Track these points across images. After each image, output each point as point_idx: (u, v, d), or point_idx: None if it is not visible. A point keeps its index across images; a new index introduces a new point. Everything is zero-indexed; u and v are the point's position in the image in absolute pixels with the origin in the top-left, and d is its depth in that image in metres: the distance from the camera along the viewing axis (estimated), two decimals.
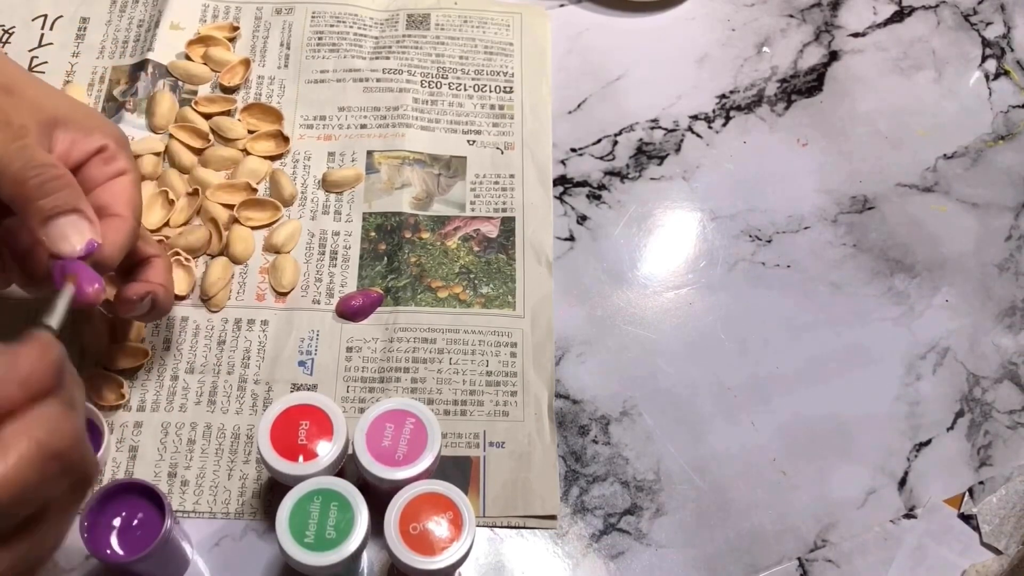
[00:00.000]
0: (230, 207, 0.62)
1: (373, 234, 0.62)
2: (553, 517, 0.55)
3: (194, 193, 0.62)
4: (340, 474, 0.49)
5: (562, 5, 0.74)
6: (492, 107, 0.68)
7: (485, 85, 0.69)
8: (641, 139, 0.69)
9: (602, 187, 0.67)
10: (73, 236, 0.44)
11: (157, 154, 0.63)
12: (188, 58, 0.67)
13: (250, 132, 0.65)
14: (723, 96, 0.71)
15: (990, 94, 0.73)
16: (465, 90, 0.69)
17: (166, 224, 0.61)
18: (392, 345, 0.58)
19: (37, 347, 0.36)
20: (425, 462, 0.48)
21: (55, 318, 0.41)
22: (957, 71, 0.74)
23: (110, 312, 0.54)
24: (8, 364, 0.34)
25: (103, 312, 0.57)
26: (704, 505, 0.56)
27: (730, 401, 0.59)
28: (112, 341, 0.57)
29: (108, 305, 0.54)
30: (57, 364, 0.36)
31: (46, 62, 0.67)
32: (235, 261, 0.60)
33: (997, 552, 0.56)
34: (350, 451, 0.49)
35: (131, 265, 0.52)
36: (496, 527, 0.54)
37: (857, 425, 0.59)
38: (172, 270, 0.54)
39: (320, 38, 0.70)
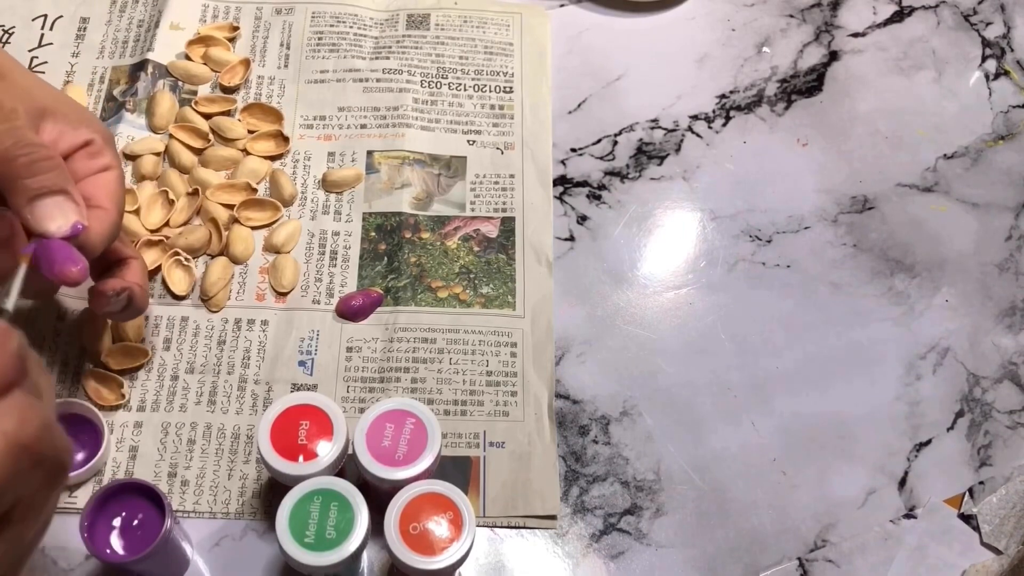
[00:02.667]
0: (230, 207, 0.62)
1: (373, 234, 0.62)
2: (553, 517, 0.55)
3: (194, 193, 0.62)
4: (340, 474, 0.49)
5: (562, 5, 0.74)
6: (492, 107, 0.68)
7: (485, 85, 0.69)
8: (641, 139, 0.69)
9: (602, 187, 0.67)
10: (59, 216, 0.44)
11: (157, 154, 0.63)
12: (188, 58, 0.67)
13: (250, 132, 0.65)
14: (723, 96, 0.71)
15: (990, 94, 0.73)
16: (465, 90, 0.69)
17: (166, 224, 0.61)
18: (392, 345, 0.58)
19: None
20: (425, 462, 0.48)
21: (9, 299, 0.40)
22: (957, 71, 0.74)
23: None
24: None
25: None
26: (704, 505, 0.56)
27: (730, 401, 0.59)
28: (112, 341, 0.57)
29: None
30: (18, 353, 0.34)
31: (46, 62, 0.67)
32: (235, 261, 0.60)
33: (997, 552, 0.56)
34: (350, 451, 0.49)
35: (108, 265, 0.52)
36: (496, 527, 0.54)
37: (857, 425, 0.59)
38: (147, 273, 0.54)
39: (320, 38, 0.70)
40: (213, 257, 0.61)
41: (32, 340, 0.56)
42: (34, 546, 0.36)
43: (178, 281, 0.59)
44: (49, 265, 0.43)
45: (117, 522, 0.48)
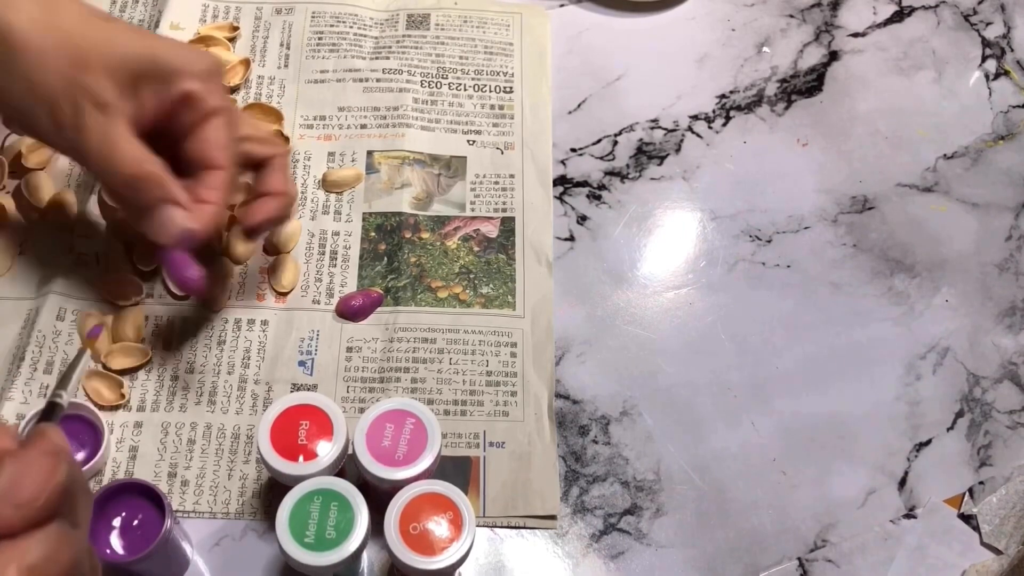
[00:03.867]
0: (230, 207, 0.62)
1: (373, 234, 0.62)
2: (553, 517, 0.55)
3: None
4: (340, 474, 0.49)
5: (562, 5, 0.74)
6: (492, 107, 0.68)
7: (485, 85, 0.69)
8: (641, 139, 0.69)
9: (602, 187, 0.67)
10: (168, 227, 0.49)
11: None
12: None
13: None
14: (723, 96, 0.71)
15: (990, 94, 0.73)
16: (465, 90, 0.69)
17: None
18: (392, 345, 0.58)
19: (44, 465, 0.34)
20: (425, 462, 0.48)
21: (69, 390, 0.44)
22: (957, 71, 0.74)
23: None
24: (11, 482, 0.33)
25: (102, 313, 0.57)
26: (704, 505, 0.56)
27: (730, 401, 0.59)
28: (112, 341, 0.57)
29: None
30: (64, 486, 0.34)
31: None
32: (235, 261, 0.60)
33: (997, 552, 0.56)
34: (350, 451, 0.49)
35: (253, 165, 0.55)
36: (496, 527, 0.54)
37: (857, 425, 0.59)
38: (287, 169, 0.56)
39: (320, 38, 0.70)
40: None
41: (32, 340, 0.56)
42: None
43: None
44: (169, 274, 0.50)
45: (117, 522, 0.48)
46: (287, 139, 0.65)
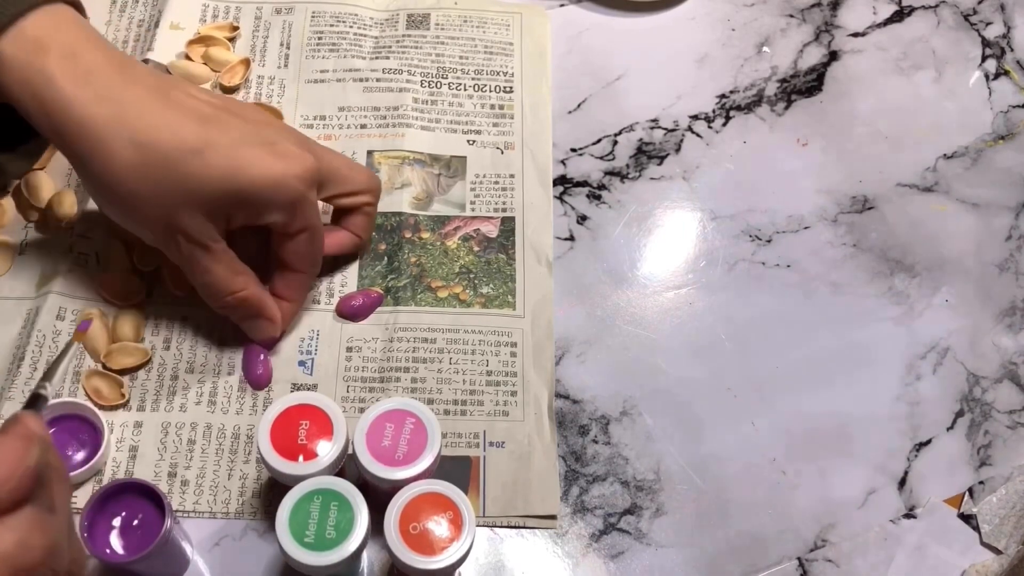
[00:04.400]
0: None
1: (373, 234, 0.62)
2: (553, 517, 0.55)
3: None
4: (340, 474, 0.49)
5: (562, 5, 0.74)
6: (492, 107, 0.68)
7: (485, 85, 0.69)
8: (641, 139, 0.69)
9: (602, 187, 0.67)
10: (258, 334, 0.57)
11: None
12: (188, 58, 0.67)
13: None
14: (723, 96, 0.71)
15: (990, 94, 0.73)
16: (465, 90, 0.69)
17: None
18: (392, 345, 0.58)
19: (15, 448, 0.34)
20: (425, 462, 0.48)
21: (53, 382, 0.46)
22: (957, 71, 0.74)
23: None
24: None
25: (101, 311, 0.57)
26: (704, 505, 0.56)
27: (730, 401, 0.59)
28: (112, 341, 0.57)
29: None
30: (35, 469, 0.34)
31: None
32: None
33: (997, 552, 0.56)
34: (350, 451, 0.49)
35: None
36: (496, 527, 0.54)
37: (857, 425, 0.59)
38: (372, 219, 0.61)
39: (320, 38, 0.70)
40: None
41: (32, 340, 0.56)
42: None
43: (178, 282, 0.59)
44: (244, 365, 0.57)
45: (117, 522, 0.48)
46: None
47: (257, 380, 0.57)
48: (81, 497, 0.53)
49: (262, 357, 0.57)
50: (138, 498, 0.48)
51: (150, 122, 0.48)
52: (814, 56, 0.73)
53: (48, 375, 0.46)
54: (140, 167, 0.48)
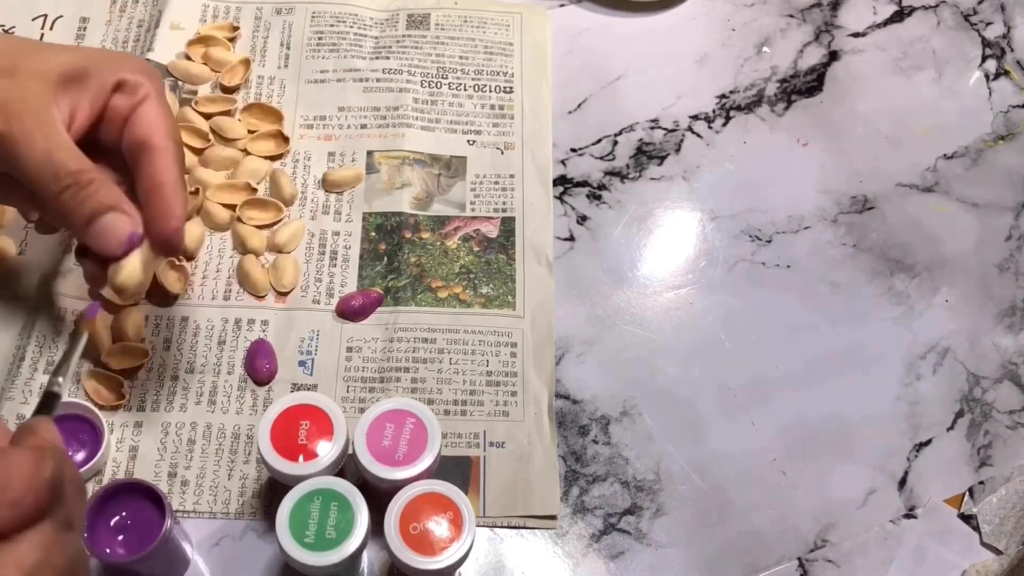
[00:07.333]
0: (231, 207, 0.62)
1: (373, 234, 0.62)
2: (553, 517, 0.55)
3: (195, 193, 0.61)
4: (340, 474, 0.49)
5: (562, 5, 0.74)
6: (492, 107, 0.68)
7: (485, 85, 0.69)
8: (641, 139, 0.69)
9: (602, 187, 0.67)
10: (115, 234, 0.45)
11: None
12: (188, 58, 0.67)
13: (250, 132, 0.65)
14: (723, 96, 0.71)
15: (990, 94, 0.73)
16: (465, 90, 0.69)
17: None
18: (392, 345, 0.58)
19: (31, 460, 0.32)
20: (425, 462, 0.48)
21: (67, 376, 0.44)
22: (957, 71, 0.74)
23: (111, 311, 0.55)
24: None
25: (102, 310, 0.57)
26: (704, 505, 0.56)
27: (730, 401, 0.59)
28: (112, 341, 0.57)
29: (109, 306, 0.54)
30: (53, 482, 0.32)
31: None
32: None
33: (997, 552, 0.56)
34: (350, 451, 0.49)
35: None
36: (496, 527, 0.54)
37: (857, 425, 0.59)
38: (180, 163, 0.49)
39: (320, 38, 0.70)
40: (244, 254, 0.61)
41: (32, 340, 0.56)
42: None
43: (173, 282, 0.59)
44: (249, 360, 0.56)
45: (117, 522, 0.48)
46: (287, 139, 0.65)
47: (260, 375, 0.57)
48: None
49: (268, 352, 0.57)
50: (138, 498, 0.48)
51: None
52: (814, 56, 0.73)
53: (60, 370, 0.44)
54: None
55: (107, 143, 0.49)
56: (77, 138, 0.47)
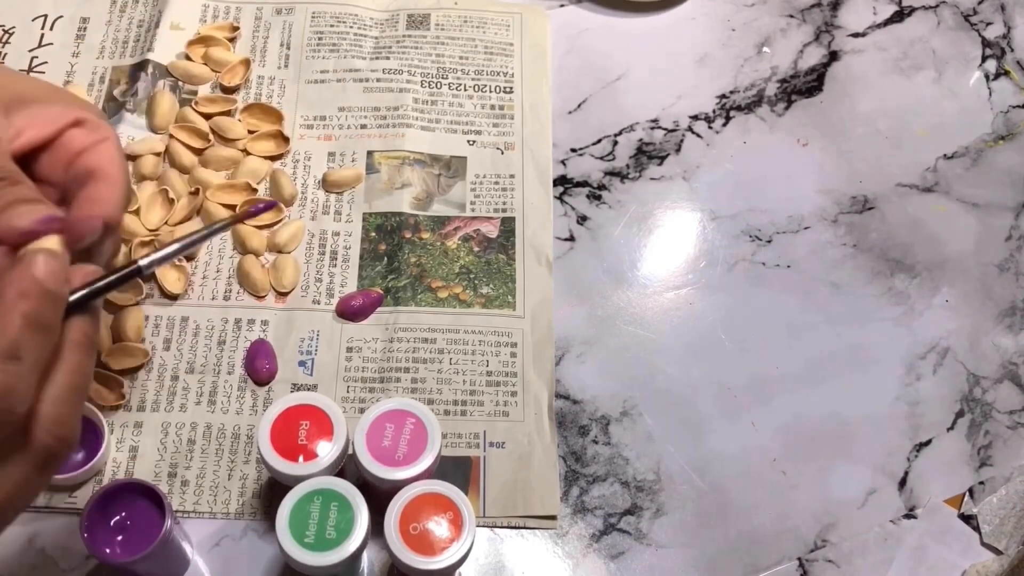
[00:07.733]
0: (231, 207, 0.62)
1: (373, 234, 0.62)
2: (553, 517, 0.55)
3: (195, 193, 0.62)
4: (340, 474, 0.49)
5: (562, 5, 0.74)
6: (492, 107, 0.68)
7: (485, 85, 0.69)
8: (641, 139, 0.69)
9: (602, 187, 0.67)
10: (27, 215, 0.39)
11: (157, 154, 0.63)
12: (188, 58, 0.67)
13: (250, 132, 0.65)
14: (723, 96, 0.71)
15: (990, 94, 0.73)
16: (465, 90, 0.69)
17: (165, 223, 0.61)
18: (392, 345, 0.59)
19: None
20: (425, 462, 0.48)
21: (150, 257, 0.43)
22: (957, 71, 0.74)
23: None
24: None
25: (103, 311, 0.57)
26: (704, 505, 0.56)
27: (730, 401, 0.59)
28: (112, 341, 0.57)
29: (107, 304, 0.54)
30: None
31: (46, 62, 0.67)
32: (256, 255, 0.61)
33: (997, 552, 0.56)
34: (350, 451, 0.49)
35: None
36: (496, 527, 0.54)
37: (857, 425, 0.59)
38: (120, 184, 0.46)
39: (320, 38, 0.70)
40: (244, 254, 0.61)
41: None
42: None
43: (172, 281, 0.59)
44: (250, 360, 0.56)
45: (117, 522, 0.48)
46: (287, 139, 0.65)
47: (260, 375, 0.57)
48: (81, 497, 0.53)
49: (268, 353, 0.57)
50: (138, 498, 0.48)
51: None
52: (814, 56, 0.73)
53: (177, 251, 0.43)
54: None
55: (44, 175, 0.46)
56: (17, 154, 0.44)
